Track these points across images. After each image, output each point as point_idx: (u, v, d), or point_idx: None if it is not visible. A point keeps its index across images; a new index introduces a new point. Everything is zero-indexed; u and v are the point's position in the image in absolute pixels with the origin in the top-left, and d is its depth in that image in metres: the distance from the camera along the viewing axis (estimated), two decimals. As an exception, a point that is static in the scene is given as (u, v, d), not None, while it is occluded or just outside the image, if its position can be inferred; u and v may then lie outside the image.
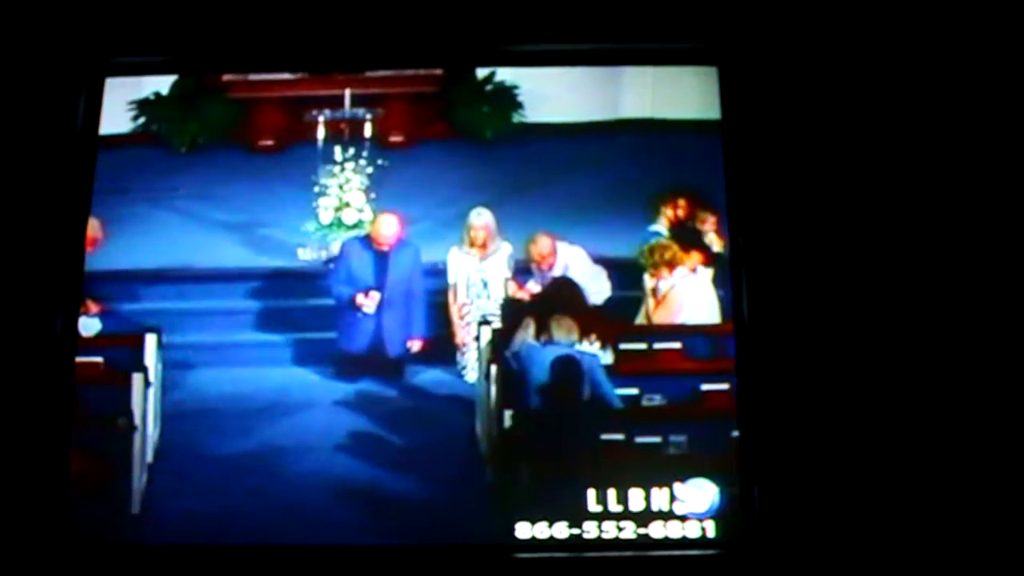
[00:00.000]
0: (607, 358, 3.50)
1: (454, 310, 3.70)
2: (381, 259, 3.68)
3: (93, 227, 3.47)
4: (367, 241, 3.70)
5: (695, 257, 3.64)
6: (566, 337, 3.50)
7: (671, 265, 3.62)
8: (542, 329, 3.51)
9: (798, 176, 3.38)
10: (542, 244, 3.67)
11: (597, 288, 3.66)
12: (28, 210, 3.33)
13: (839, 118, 3.40)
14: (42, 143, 3.38)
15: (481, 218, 3.69)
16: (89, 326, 3.44)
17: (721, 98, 3.50)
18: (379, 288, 3.67)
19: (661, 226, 3.69)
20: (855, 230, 3.34)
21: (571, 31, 3.49)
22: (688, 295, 3.61)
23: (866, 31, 3.42)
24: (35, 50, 3.43)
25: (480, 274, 3.72)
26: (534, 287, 3.69)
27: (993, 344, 3.26)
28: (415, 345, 3.64)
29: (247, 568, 3.22)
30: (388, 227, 3.68)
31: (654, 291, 3.62)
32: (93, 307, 3.46)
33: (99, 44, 3.49)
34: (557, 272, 3.68)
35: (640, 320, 3.63)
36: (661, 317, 3.61)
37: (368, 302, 3.66)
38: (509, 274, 3.71)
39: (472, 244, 3.70)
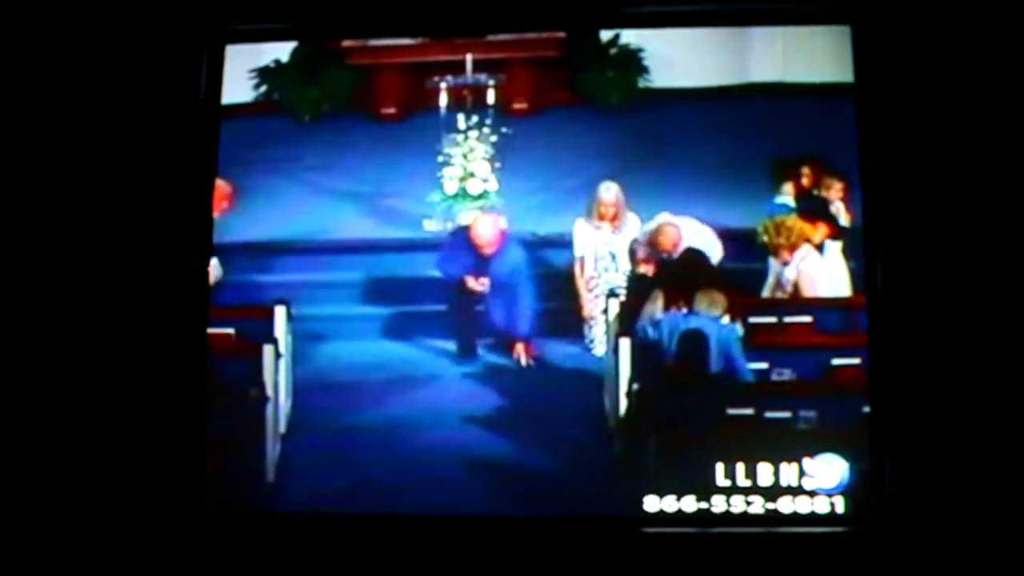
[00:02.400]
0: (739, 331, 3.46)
1: (581, 283, 3.65)
2: (483, 261, 3.64)
3: (223, 188, 3.48)
4: (469, 239, 3.64)
5: (822, 230, 3.54)
6: (707, 309, 3.44)
7: (794, 246, 3.53)
8: (674, 301, 3.45)
9: (933, 142, 3.25)
10: (670, 234, 3.59)
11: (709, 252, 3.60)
12: (155, 182, 3.35)
13: (977, 80, 3.25)
14: (166, 114, 3.38)
15: (611, 193, 3.63)
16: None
17: (854, 59, 3.37)
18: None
19: (787, 197, 3.60)
20: (992, 200, 3.21)
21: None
22: (815, 278, 3.53)
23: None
24: (155, 19, 3.40)
25: (608, 247, 3.67)
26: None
27: None
28: (519, 349, 3.61)
29: (378, 536, 3.28)
30: (486, 229, 3.62)
31: (779, 278, 3.55)
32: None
33: (219, 11, 3.46)
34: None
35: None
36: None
37: (479, 286, 3.64)
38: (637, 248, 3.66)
39: (602, 218, 3.65)
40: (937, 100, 3.26)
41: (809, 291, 3.53)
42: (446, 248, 3.65)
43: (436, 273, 3.64)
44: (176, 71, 3.42)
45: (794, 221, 3.56)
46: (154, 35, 3.40)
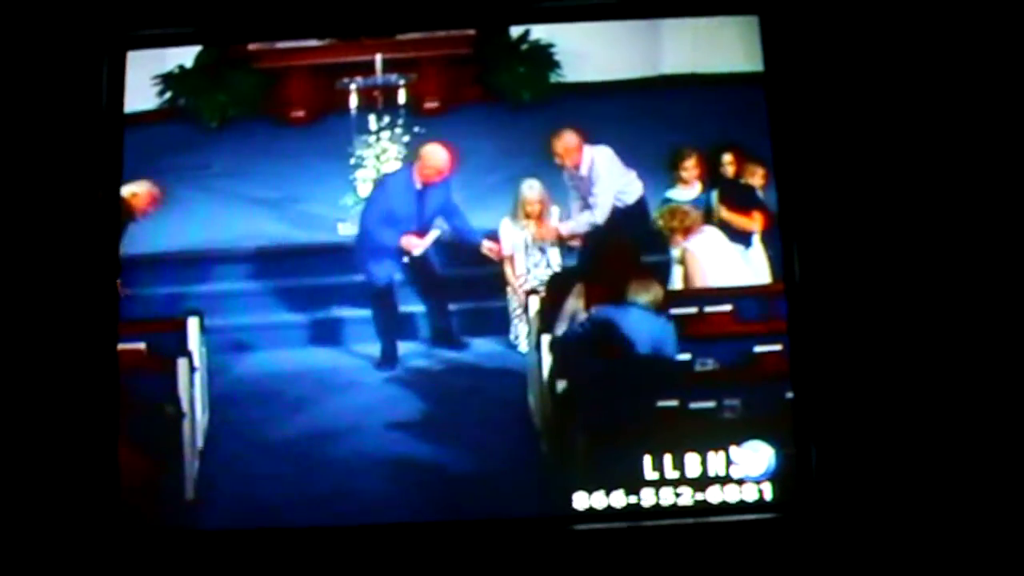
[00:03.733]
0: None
1: (512, 281, 3.62)
2: (421, 197, 3.58)
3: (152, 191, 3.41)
4: (409, 176, 3.58)
5: (757, 219, 3.55)
6: (644, 300, 3.39)
7: (688, 230, 3.55)
8: (601, 293, 3.42)
9: (845, 128, 3.29)
10: (568, 138, 3.56)
11: (629, 188, 3.61)
12: (59, 193, 3.24)
13: (883, 65, 3.30)
14: (67, 122, 3.28)
15: (534, 190, 3.61)
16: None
17: (763, 48, 3.39)
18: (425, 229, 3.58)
19: (687, 188, 3.61)
20: (905, 184, 3.26)
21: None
22: (701, 261, 3.55)
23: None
24: (55, 26, 3.30)
25: (537, 243, 3.64)
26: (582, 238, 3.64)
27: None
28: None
29: (304, 550, 3.20)
30: (438, 157, 3.55)
31: (679, 259, 3.57)
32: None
33: (119, 17, 3.36)
34: (583, 171, 3.59)
35: (674, 286, 3.55)
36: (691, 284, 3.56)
37: (418, 243, 3.58)
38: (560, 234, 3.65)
39: (528, 216, 3.62)
40: (846, 86, 3.30)
41: (696, 275, 3.53)
42: (375, 199, 3.57)
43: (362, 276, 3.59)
44: (77, 78, 3.32)
45: (687, 209, 3.57)
46: (54, 42, 3.30)
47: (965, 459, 3.16)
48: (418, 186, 3.58)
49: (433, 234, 3.59)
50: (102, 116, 3.33)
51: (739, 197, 3.60)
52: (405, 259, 3.58)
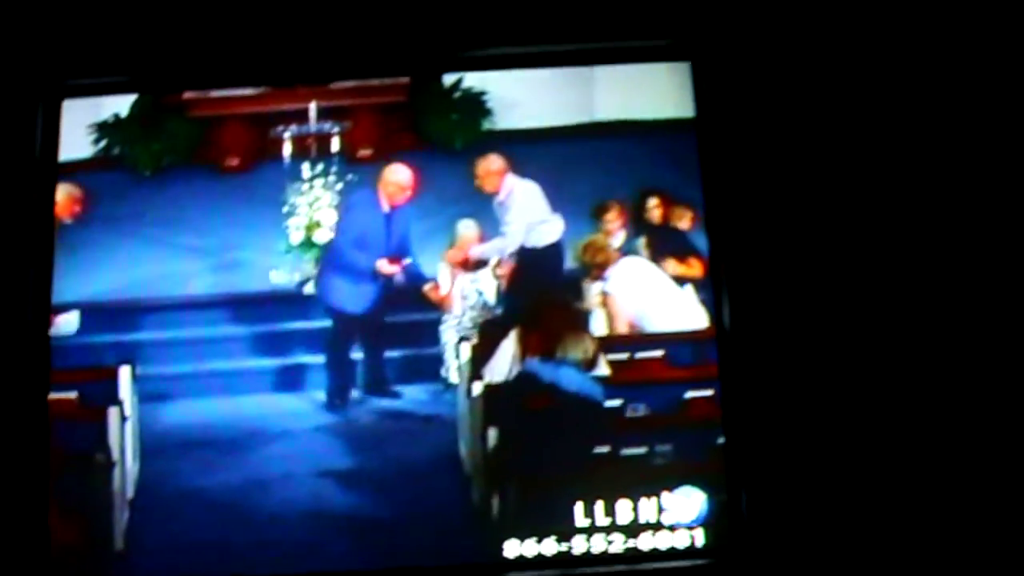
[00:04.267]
0: (600, 370, 3.45)
1: (449, 325, 3.63)
2: (389, 220, 3.61)
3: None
4: (374, 199, 3.61)
5: (696, 266, 3.55)
6: (576, 356, 3.40)
7: (603, 265, 3.57)
8: (536, 345, 3.43)
9: (775, 172, 3.32)
10: (491, 161, 3.60)
11: (546, 228, 3.63)
12: None
13: (815, 111, 3.34)
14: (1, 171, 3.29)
15: (471, 230, 3.63)
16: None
17: (695, 94, 3.43)
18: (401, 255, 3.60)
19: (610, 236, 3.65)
20: (836, 227, 3.29)
21: (538, 32, 3.40)
22: (622, 298, 3.56)
23: (839, 21, 3.35)
24: None
25: (474, 284, 3.66)
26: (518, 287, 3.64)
27: (975, 344, 3.23)
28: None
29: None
30: (400, 174, 3.58)
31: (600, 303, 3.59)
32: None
33: (54, 65, 3.38)
34: (501, 196, 3.61)
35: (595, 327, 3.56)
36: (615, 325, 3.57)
37: (393, 268, 3.60)
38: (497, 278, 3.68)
39: (457, 262, 3.66)
40: (776, 130, 3.33)
41: (618, 317, 3.55)
42: (346, 223, 3.60)
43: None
44: (11, 127, 3.33)
45: (602, 239, 3.58)
46: None
47: (894, 503, 3.17)
48: (385, 209, 3.61)
49: (407, 261, 3.61)
50: (36, 165, 3.35)
51: (668, 242, 3.60)
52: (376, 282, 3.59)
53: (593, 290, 3.59)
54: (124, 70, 3.46)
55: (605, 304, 3.57)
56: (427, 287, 3.65)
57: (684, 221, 3.58)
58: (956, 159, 3.31)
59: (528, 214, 3.60)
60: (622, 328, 3.55)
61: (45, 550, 3.17)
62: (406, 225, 3.64)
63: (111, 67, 3.44)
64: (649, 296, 3.55)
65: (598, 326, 3.55)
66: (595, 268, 3.58)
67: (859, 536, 3.17)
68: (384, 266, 3.60)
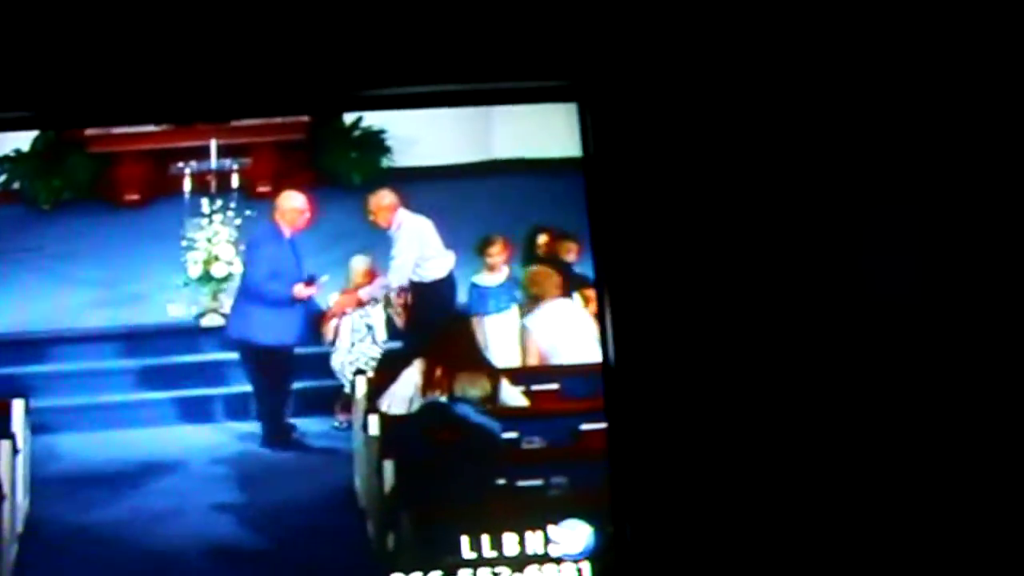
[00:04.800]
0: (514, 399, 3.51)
1: (338, 359, 3.67)
2: (293, 246, 3.63)
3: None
4: (274, 228, 3.64)
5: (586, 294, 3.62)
6: (471, 394, 3.46)
7: (540, 298, 3.64)
8: (434, 381, 3.48)
9: (659, 205, 3.42)
10: (382, 196, 3.66)
11: (434, 264, 3.68)
12: None
13: (698, 146, 3.45)
14: None
15: (362, 264, 3.68)
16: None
17: (581, 133, 3.53)
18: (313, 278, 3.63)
19: (488, 275, 3.72)
20: (719, 258, 3.40)
21: (434, 72, 3.48)
22: (538, 337, 3.63)
23: (720, 62, 3.47)
24: None
25: (364, 319, 3.70)
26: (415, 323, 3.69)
27: (864, 371, 3.34)
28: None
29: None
30: (293, 199, 3.61)
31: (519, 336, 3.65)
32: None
33: None
34: (392, 231, 3.66)
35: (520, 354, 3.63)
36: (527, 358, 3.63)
37: (311, 290, 3.63)
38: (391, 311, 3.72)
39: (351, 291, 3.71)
40: (660, 167, 3.44)
41: (530, 353, 3.62)
42: (254, 256, 3.62)
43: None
44: None
45: (546, 271, 3.65)
46: None
47: (784, 537, 3.25)
48: (287, 235, 3.64)
49: (323, 279, 3.65)
50: None
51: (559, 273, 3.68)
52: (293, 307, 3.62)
53: (514, 320, 3.66)
54: (22, 106, 3.48)
55: (522, 337, 3.63)
56: (328, 331, 3.68)
57: (571, 254, 3.66)
58: (837, 183, 3.43)
59: (417, 248, 3.66)
60: (531, 361, 3.61)
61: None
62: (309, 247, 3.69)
63: (8, 102, 3.45)
64: (564, 334, 3.60)
65: (510, 356, 3.61)
66: (530, 301, 3.64)
67: (747, 567, 3.23)
68: (301, 290, 3.63)
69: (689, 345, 3.37)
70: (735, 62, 3.47)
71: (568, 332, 3.59)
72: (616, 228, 3.44)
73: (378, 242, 3.68)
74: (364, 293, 3.69)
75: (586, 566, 3.31)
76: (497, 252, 3.67)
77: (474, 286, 3.70)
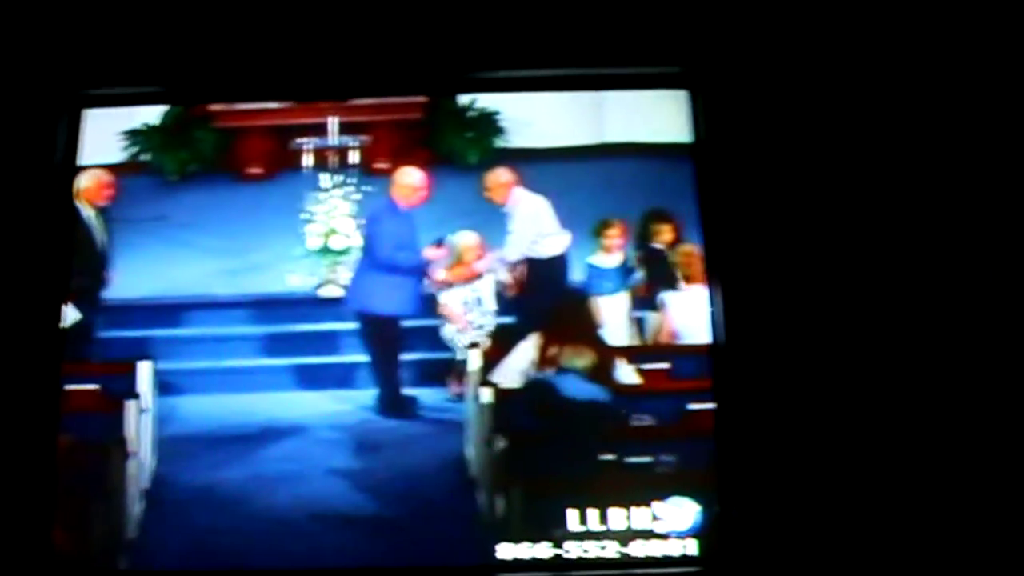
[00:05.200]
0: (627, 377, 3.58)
1: (450, 330, 3.76)
2: (411, 220, 3.74)
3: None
4: (391, 204, 3.75)
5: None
6: (576, 366, 3.52)
7: (687, 279, 3.69)
8: (545, 355, 3.55)
9: (771, 196, 3.44)
10: (499, 174, 3.76)
11: (549, 240, 3.76)
12: (12, 241, 3.37)
13: (809, 136, 3.47)
14: (22, 176, 3.41)
15: (472, 238, 3.78)
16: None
17: (692, 120, 3.57)
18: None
19: (603, 256, 3.79)
20: (828, 246, 3.40)
21: (548, 57, 3.55)
22: (675, 312, 3.69)
23: (833, 52, 3.49)
24: (14, 83, 3.47)
25: (475, 293, 3.79)
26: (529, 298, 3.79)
27: (969, 354, 3.31)
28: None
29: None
30: (411, 176, 3.71)
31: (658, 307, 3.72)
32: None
33: (78, 76, 3.52)
34: (508, 207, 3.76)
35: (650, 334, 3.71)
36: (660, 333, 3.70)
37: (440, 253, 3.76)
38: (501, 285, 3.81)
39: (459, 268, 3.80)
40: (773, 156, 3.46)
41: (665, 318, 3.70)
42: (380, 232, 3.72)
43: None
44: (34, 135, 3.45)
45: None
46: (11, 99, 3.45)
47: (885, 518, 3.23)
48: (404, 209, 3.75)
49: (452, 238, 3.78)
50: (56, 170, 3.46)
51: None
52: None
53: (626, 302, 3.74)
54: (148, 82, 3.59)
55: (659, 309, 3.71)
56: (440, 304, 3.78)
57: (667, 236, 3.74)
58: (954, 179, 3.42)
59: (533, 225, 3.75)
60: (663, 337, 3.69)
61: (47, 536, 3.24)
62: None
63: (136, 78, 3.56)
64: (698, 318, 3.61)
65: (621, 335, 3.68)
66: (684, 277, 3.70)
67: (850, 549, 3.22)
68: (431, 252, 3.76)
69: (797, 329, 3.38)
70: (848, 53, 3.49)
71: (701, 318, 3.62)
72: (725, 212, 3.47)
73: (492, 219, 3.77)
74: (478, 266, 3.77)
75: (691, 543, 3.34)
76: (615, 235, 3.74)
77: (590, 266, 3.77)
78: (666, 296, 3.72)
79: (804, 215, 3.44)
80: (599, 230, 3.75)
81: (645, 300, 3.76)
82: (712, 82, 3.54)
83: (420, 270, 3.74)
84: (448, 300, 3.78)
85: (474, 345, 3.69)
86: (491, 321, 3.76)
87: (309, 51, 3.54)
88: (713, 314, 3.46)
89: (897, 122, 3.46)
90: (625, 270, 3.77)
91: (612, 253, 3.77)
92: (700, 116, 3.56)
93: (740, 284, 3.44)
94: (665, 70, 3.61)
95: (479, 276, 3.79)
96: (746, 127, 3.49)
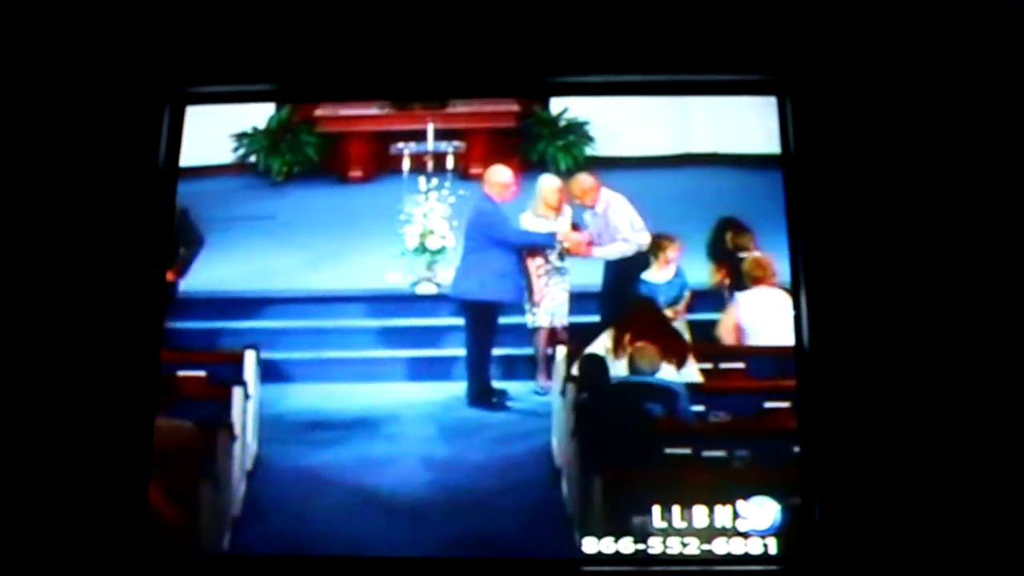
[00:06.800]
0: (692, 377, 3.71)
1: (531, 267, 3.97)
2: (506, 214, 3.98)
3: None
4: (487, 198, 3.97)
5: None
6: (649, 366, 3.68)
7: (757, 281, 3.82)
8: (623, 351, 3.70)
9: (856, 202, 3.54)
10: (583, 180, 3.94)
11: (636, 237, 3.93)
12: (114, 237, 3.60)
13: (896, 146, 3.56)
14: (125, 173, 3.64)
15: (552, 182, 3.97)
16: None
17: (780, 127, 3.70)
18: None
19: (656, 272, 3.95)
20: (912, 253, 3.49)
21: (634, 62, 3.71)
22: (746, 313, 3.82)
23: (917, 64, 3.58)
24: (116, 80, 3.69)
25: (561, 267, 3.98)
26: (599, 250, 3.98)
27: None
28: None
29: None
30: (502, 174, 3.94)
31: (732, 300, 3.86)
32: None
33: (181, 73, 3.73)
34: (599, 208, 3.93)
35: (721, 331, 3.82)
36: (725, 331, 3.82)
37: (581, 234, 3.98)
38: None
39: (547, 206, 3.98)
40: (859, 163, 3.56)
41: (733, 317, 3.82)
42: (490, 223, 3.96)
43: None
44: (137, 132, 3.68)
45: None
46: (115, 95, 3.67)
47: (965, 519, 3.30)
48: (498, 203, 3.98)
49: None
50: (160, 168, 3.70)
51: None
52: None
53: (728, 297, 3.87)
54: (249, 79, 3.80)
55: (728, 307, 3.84)
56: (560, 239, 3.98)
57: (751, 245, 3.84)
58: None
59: (628, 221, 3.93)
60: (729, 335, 3.81)
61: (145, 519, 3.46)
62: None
63: (238, 76, 3.77)
64: (767, 316, 3.78)
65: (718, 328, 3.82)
66: (749, 280, 3.83)
67: (930, 550, 3.29)
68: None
69: (880, 331, 3.46)
70: (936, 64, 3.57)
71: (771, 316, 3.75)
72: (814, 218, 3.57)
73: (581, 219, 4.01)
74: (600, 252, 3.97)
75: (772, 541, 3.44)
76: (673, 250, 3.89)
77: (642, 282, 3.94)
78: (738, 295, 3.84)
79: (893, 223, 3.52)
80: (657, 245, 3.91)
81: (715, 298, 3.88)
82: (803, 90, 3.65)
83: (520, 254, 3.95)
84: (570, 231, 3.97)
85: (560, 342, 3.84)
86: (565, 297, 3.92)
87: (406, 53, 3.72)
88: (798, 318, 3.57)
89: (998, 132, 3.52)
90: (677, 283, 3.91)
91: (665, 267, 3.92)
92: (789, 122, 3.68)
93: (826, 291, 3.53)
94: (756, 77, 3.73)
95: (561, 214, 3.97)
96: (837, 135, 3.59)
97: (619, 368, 3.70)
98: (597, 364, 3.70)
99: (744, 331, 3.80)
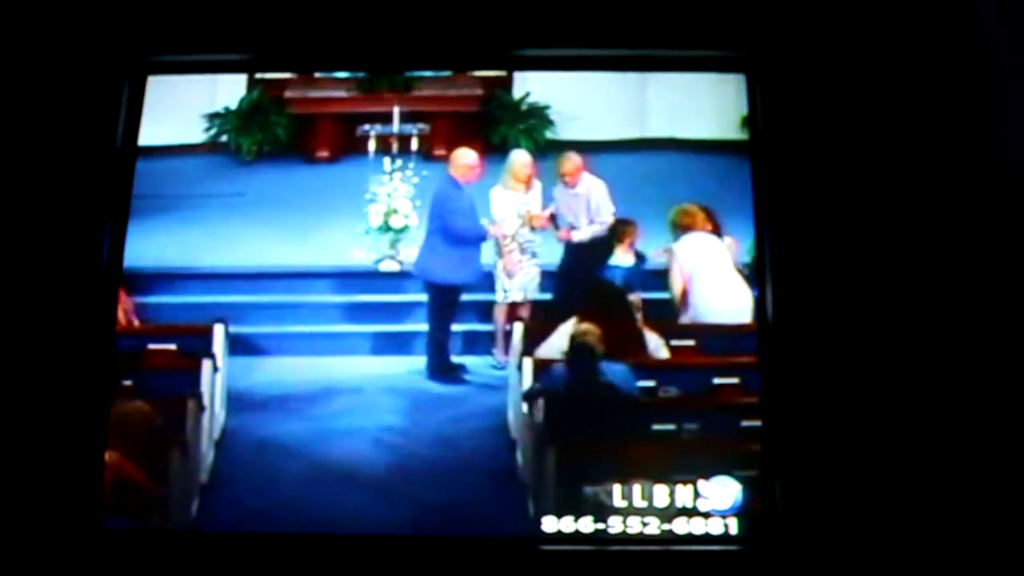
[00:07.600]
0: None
1: (501, 243, 4.07)
2: (469, 195, 4.07)
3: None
4: (452, 179, 4.08)
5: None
6: (625, 344, 3.77)
7: (685, 229, 3.91)
8: (586, 329, 3.78)
9: (820, 183, 3.51)
10: (572, 159, 4.05)
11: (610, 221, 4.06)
12: (67, 211, 3.52)
13: (864, 122, 3.52)
14: (85, 145, 3.55)
15: (523, 157, 4.07)
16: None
17: (749, 104, 3.67)
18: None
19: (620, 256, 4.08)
20: (877, 234, 3.46)
21: (599, 37, 3.68)
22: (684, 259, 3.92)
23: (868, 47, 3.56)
24: (75, 50, 3.58)
25: (526, 207, 4.09)
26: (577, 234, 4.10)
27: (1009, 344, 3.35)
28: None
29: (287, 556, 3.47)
30: (467, 156, 4.04)
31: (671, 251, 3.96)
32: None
33: (141, 43, 3.64)
34: (581, 189, 4.05)
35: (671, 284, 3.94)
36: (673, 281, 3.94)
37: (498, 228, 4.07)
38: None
39: (517, 180, 4.09)
40: (825, 142, 3.52)
41: (675, 267, 3.95)
42: (454, 206, 4.06)
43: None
44: (98, 103, 3.59)
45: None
46: (70, 64, 3.56)
47: (928, 497, 3.29)
48: (462, 185, 4.08)
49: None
50: (118, 138, 3.63)
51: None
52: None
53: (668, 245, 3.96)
54: (216, 50, 3.71)
55: (668, 258, 3.95)
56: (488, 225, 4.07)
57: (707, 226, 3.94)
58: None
59: (606, 206, 4.06)
60: (676, 285, 3.92)
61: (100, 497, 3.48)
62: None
63: (205, 46, 3.68)
64: (706, 260, 3.89)
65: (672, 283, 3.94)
66: (679, 228, 3.93)
67: (890, 529, 3.28)
68: (492, 228, 4.06)
69: (840, 309, 3.44)
70: (910, 41, 3.52)
71: (711, 260, 3.88)
72: (779, 199, 3.54)
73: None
74: (576, 236, 4.10)
75: (733, 521, 3.48)
76: (633, 235, 4.04)
77: (611, 267, 4.08)
78: (673, 245, 3.95)
79: (860, 204, 3.49)
80: (618, 231, 4.04)
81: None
82: (771, 66, 3.60)
83: (481, 240, 4.06)
84: (501, 215, 4.07)
85: (518, 319, 3.98)
86: (537, 272, 4.07)
87: (372, 25, 3.68)
88: (763, 300, 3.56)
89: (967, 114, 3.48)
90: (639, 269, 4.05)
91: (627, 253, 4.05)
92: (757, 99, 3.63)
93: (790, 273, 3.51)
94: (722, 53, 3.69)
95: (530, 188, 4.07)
96: (802, 111, 3.55)
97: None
98: (584, 352, 3.76)
99: (688, 276, 3.92)
